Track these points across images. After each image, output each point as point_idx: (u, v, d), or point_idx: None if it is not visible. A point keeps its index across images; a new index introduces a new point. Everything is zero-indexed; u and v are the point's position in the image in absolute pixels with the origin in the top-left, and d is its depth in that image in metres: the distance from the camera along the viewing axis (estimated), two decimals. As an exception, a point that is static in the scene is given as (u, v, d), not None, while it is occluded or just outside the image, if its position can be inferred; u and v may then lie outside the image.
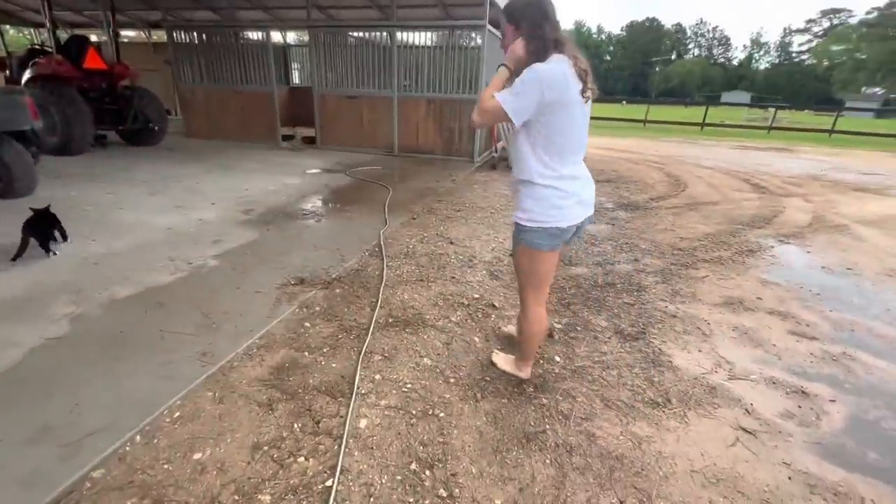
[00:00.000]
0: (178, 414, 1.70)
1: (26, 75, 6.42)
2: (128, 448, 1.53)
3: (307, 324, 2.36)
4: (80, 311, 2.35)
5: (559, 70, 1.48)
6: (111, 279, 2.74)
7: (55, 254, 2.99)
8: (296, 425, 1.67)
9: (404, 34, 7.33)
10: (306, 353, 2.11)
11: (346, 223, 4.09)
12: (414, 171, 6.66)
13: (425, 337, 2.31)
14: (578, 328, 2.51)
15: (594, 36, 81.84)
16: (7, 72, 7.36)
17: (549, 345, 2.30)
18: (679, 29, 78.67)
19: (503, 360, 2.11)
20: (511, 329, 2.39)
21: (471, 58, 7.06)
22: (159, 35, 17.17)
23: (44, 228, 2.94)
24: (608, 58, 78.31)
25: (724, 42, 78.66)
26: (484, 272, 3.15)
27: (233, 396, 1.81)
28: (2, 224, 3.38)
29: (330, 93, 7.93)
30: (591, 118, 1.67)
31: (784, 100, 47.68)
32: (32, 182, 4.31)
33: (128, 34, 13.13)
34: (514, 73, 1.58)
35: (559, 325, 2.50)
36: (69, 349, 2.04)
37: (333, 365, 2.04)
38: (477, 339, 2.32)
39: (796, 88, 58.80)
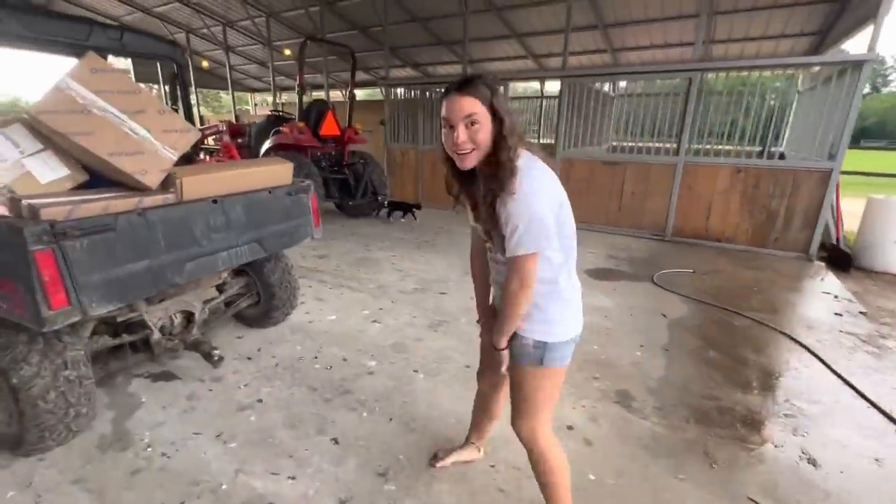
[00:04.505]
0: None
1: (266, 145, 5.92)
2: None
3: None
4: None
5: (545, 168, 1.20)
6: None
7: None
8: None
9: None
10: None
11: None
12: (737, 278, 4.18)
13: None
14: None
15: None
16: (245, 138, 7.17)
17: None
18: (877, 59, 61.68)
19: None
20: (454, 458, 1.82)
21: (840, 105, 4.56)
22: (364, 94, 18.25)
23: None
24: (773, 96, 65.19)
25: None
26: None
27: None
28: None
29: (578, 157, 6.13)
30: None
31: None
32: (292, 306, 3.03)
33: (333, 94, 13.58)
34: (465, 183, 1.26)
35: None
36: None
37: None
38: None
39: None
